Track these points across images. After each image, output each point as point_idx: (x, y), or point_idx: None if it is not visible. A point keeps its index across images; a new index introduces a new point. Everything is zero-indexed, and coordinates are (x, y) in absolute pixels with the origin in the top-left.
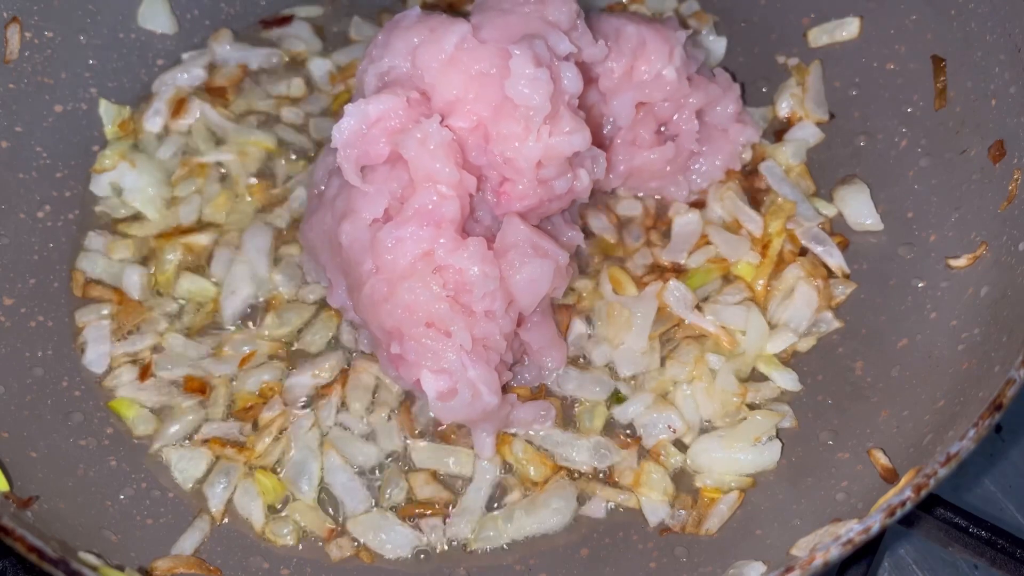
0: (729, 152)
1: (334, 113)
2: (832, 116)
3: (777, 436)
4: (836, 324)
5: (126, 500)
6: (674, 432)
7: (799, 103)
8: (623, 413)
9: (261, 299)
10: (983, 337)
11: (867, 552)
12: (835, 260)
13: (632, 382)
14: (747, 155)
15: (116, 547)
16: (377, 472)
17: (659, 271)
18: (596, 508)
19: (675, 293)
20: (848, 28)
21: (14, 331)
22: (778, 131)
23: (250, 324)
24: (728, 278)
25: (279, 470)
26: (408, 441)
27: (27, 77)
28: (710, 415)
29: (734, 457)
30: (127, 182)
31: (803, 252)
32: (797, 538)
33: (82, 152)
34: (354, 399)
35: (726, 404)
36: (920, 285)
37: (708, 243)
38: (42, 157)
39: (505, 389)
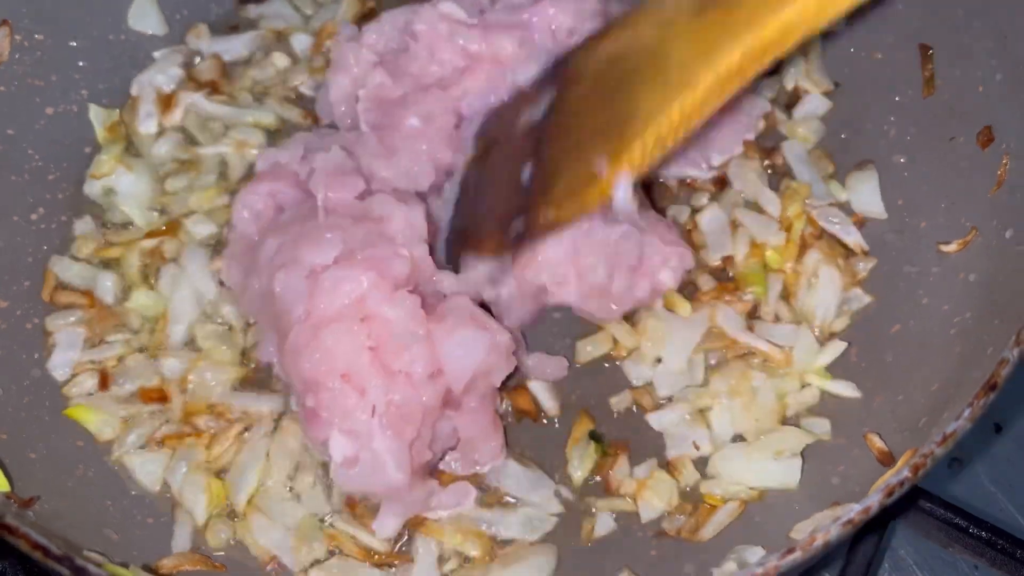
0: (744, 124)
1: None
2: (837, 84)
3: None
4: (867, 299)
5: (126, 499)
6: (697, 450)
7: (805, 75)
8: (657, 421)
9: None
10: (975, 321)
11: (867, 552)
12: (852, 237)
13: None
14: (761, 125)
15: (117, 545)
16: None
17: (715, 277)
18: (604, 524)
19: (727, 314)
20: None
21: (10, 333)
22: (787, 104)
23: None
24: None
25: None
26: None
27: (17, 80)
28: (743, 431)
29: (752, 468)
30: (122, 186)
31: (821, 235)
32: (796, 522)
33: (74, 154)
34: (278, 467)
35: (762, 421)
36: (912, 271)
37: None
38: (34, 160)
39: (433, 472)
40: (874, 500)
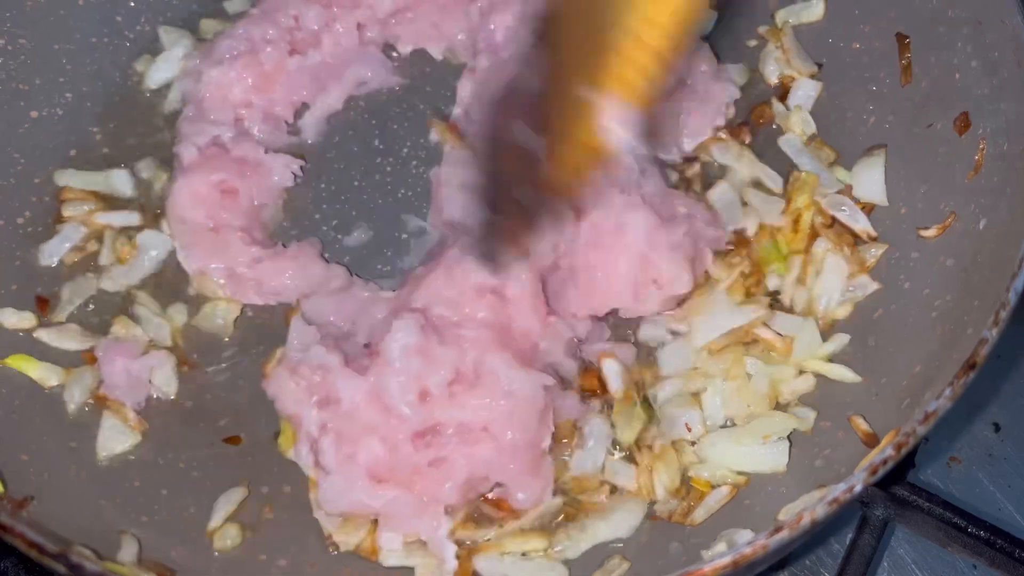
0: (714, 109)
1: None
2: (820, 66)
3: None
4: (874, 286)
5: (120, 498)
6: (689, 431)
7: (786, 64)
8: (654, 397)
9: None
10: (955, 303)
11: (866, 551)
12: (860, 224)
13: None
14: (731, 111)
15: (113, 543)
16: None
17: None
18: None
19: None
20: (813, 10)
21: None
22: (780, 97)
23: None
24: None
25: None
26: None
27: (2, 84)
28: (734, 415)
29: (739, 452)
30: None
31: (832, 223)
32: (783, 505)
33: (59, 157)
34: None
35: (753, 406)
36: (893, 256)
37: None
38: (19, 163)
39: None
40: (858, 479)
